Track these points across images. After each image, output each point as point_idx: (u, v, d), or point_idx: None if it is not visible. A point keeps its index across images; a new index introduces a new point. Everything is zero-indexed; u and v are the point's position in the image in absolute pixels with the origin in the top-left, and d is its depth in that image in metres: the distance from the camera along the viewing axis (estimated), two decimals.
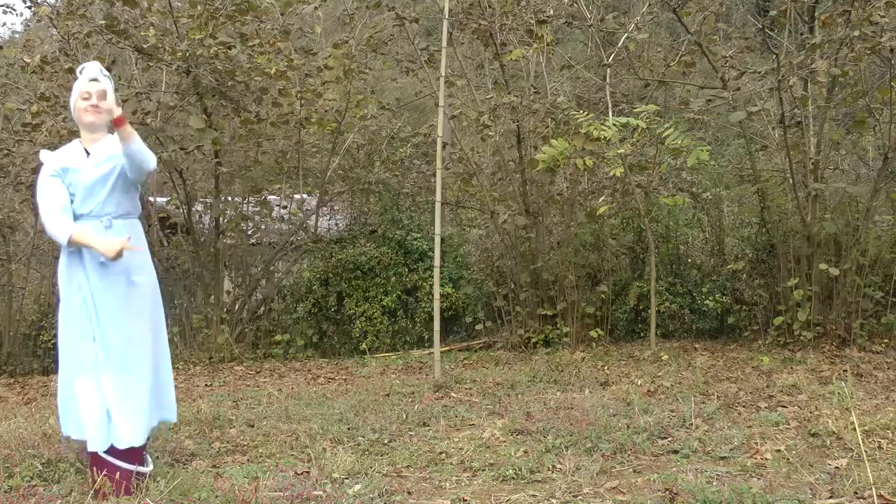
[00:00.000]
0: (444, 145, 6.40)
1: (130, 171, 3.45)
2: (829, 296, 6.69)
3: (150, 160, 3.49)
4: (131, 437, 3.34)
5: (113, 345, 3.37)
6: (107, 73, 3.58)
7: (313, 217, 8.68)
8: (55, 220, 3.38)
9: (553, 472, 3.54)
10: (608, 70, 7.50)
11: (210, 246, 8.15)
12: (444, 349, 6.78)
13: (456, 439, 4.19)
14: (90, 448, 3.35)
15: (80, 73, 3.54)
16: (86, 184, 3.43)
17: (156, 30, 7.08)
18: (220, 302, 8.03)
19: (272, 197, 8.70)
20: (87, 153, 3.50)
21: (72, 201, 3.44)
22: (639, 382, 5.50)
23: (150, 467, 3.46)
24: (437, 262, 6.05)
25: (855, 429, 3.70)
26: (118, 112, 3.35)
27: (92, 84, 3.48)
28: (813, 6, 6.92)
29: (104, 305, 3.39)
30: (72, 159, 3.47)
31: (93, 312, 3.38)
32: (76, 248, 3.39)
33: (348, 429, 4.46)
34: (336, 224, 9.14)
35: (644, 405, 4.76)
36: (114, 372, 3.36)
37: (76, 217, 3.44)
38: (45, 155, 3.54)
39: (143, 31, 7.09)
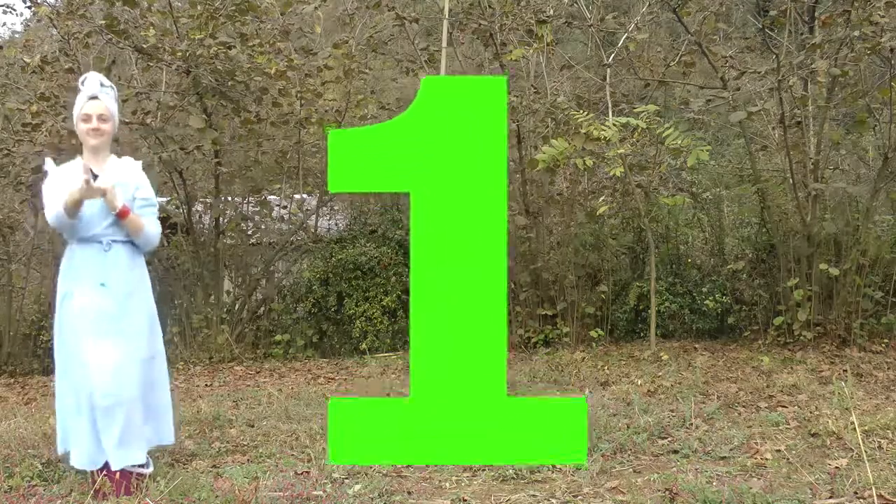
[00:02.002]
0: None
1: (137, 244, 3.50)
2: (829, 296, 6.69)
3: (156, 241, 3.54)
4: (122, 459, 3.32)
5: (107, 369, 3.32)
6: (108, 83, 3.50)
7: (313, 217, 8.68)
8: (53, 203, 3.36)
9: (553, 472, 3.54)
10: (608, 70, 7.50)
11: (210, 246, 8.15)
12: None
13: None
14: (77, 465, 3.36)
15: (81, 84, 3.47)
16: (90, 209, 3.37)
17: (156, 30, 7.08)
18: (220, 302, 8.03)
19: (272, 197, 8.70)
20: (94, 175, 3.42)
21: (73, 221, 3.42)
22: (639, 382, 5.50)
23: (151, 468, 3.46)
24: None
25: (855, 429, 3.70)
26: (119, 206, 3.34)
27: (92, 104, 3.41)
28: (813, 6, 6.93)
29: (100, 331, 3.34)
30: (77, 182, 3.36)
31: (88, 337, 3.33)
32: (75, 215, 3.33)
33: None
34: (336, 224, 9.14)
35: (644, 405, 4.76)
36: (106, 396, 3.31)
37: (76, 240, 3.43)
38: (51, 165, 3.49)
39: (143, 31, 7.09)
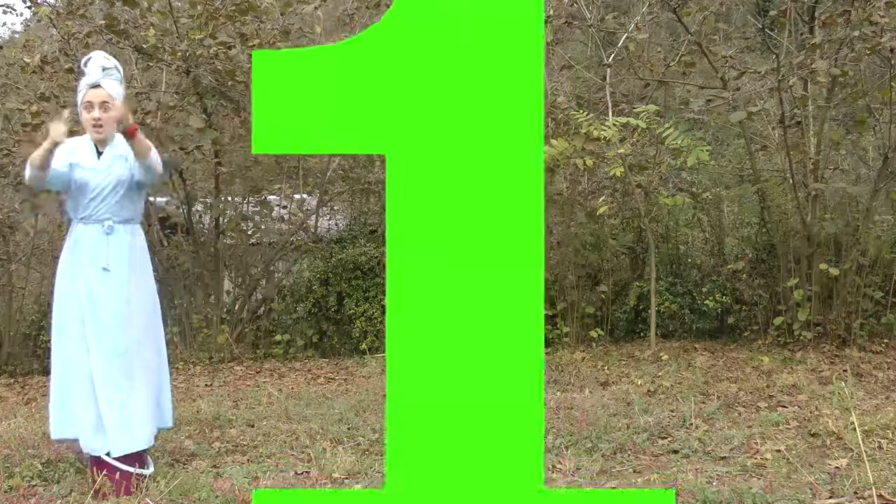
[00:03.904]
0: None
1: (142, 176, 3.45)
2: (829, 296, 6.68)
3: (160, 166, 3.49)
4: (127, 445, 3.32)
5: (112, 353, 3.33)
6: (111, 63, 3.44)
7: (313, 217, 8.68)
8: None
9: (553, 473, 3.54)
10: (608, 70, 7.50)
11: (210, 246, 8.15)
12: None
13: None
14: (84, 449, 3.36)
15: (84, 66, 3.42)
16: (95, 187, 3.37)
17: (156, 30, 7.08)
18: (220, 302, 8.03)
19: (272, 197, 8.70)
20: (98, 152, 3.43)
21: (75, 197, 3.40)
22: (639, 382, 5.50)
23: (151, 469, 3.46)
24: None
25: (855, 429, 3.70)
26: (130, 121, 3.30)
27: (94, 92, 3.37)
28: (813, 6, 6.92)
29: (101, 315, 3.34)
30: (82, 156, 3.40)
31: (89, 322, 3.33)
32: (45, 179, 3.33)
33: (348, 429, 4.46)
34: (336, 224, 9.14)
35: (644, 405, 4.76)
36: (112, 380, 3.32)
37: (78, 219, 3.43)
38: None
39: (143, 31, 7.09)
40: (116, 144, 3.47)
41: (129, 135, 3.33)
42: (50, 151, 3.27)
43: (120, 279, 3.39)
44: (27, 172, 3.37)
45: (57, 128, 3.24)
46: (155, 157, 3.44)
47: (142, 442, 3.39)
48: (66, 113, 3.34)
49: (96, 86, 3.38)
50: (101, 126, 3.39)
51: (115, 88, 3.43)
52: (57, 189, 3.46)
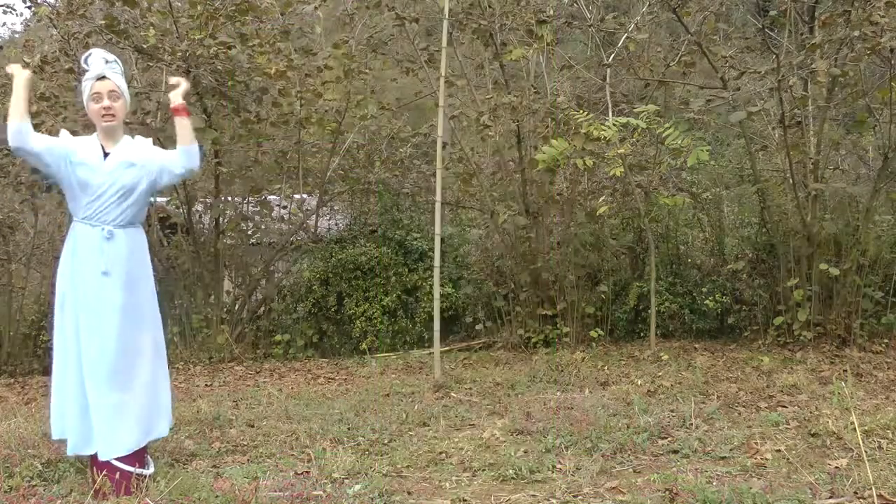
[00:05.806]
0: (444, 145, 6.40)
1: (181, 167, 3.57)
2: (829, 296, 6.68)
3: (197, 158, 3.66)
4: (115, 449, 3.30)
5: (104, 356, 3.31)
6: (112, 58, 3.47)
7: (313, 217, 8.68)
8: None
9: (553, 472, 3.54)
10: (608, 70, 7.50)
11: (210, 246, 8.15)
12: (444, 349, 6.77)
13: (456, 439, 4.19)
14: (68, 451, 3.36)
15: (86, 63, 3.44)
16: (97, 187, 3.36)
17: (156, 30, 7.08)
18: (220, 302, 8.03)
19: (272, 197, 8.70)
20: (105, 153, 3.42)
21: (77, 196, 3.39)
22: (639, 382, 5.50)
23: (151, 469, 3.45)
24: (436, 262, 6.05)
25: (855, 429, 3.70)
26: (177, 101, 3.47)
27: (101, 83, 3.39)
28: (813, 6, 6.92)
29: (96, 318, 3.33)
30: (89, 154, 3.38)
31: (84, 325, 3.32)
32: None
33: (348, 429, 4.46)
34: (336, 224, 9.14)
35: (644, 405, 4.76)
36: (102, 384, 3.30)
37: (78, 219, 3.41)
38: (65, 134, 3.48)
39: (143, 31, 7.10)
40: (124, 148, 3.45)
41: (177, 113, 3.48)
42: (24, 98, 3.26)
43: (117, 283, 3.38)
44: (9, 129, 3.23)
45: (15, 70, 3.28)
46: (195, 145, 3.55)
47: (130, 446, 3.35)
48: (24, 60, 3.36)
49: (102, 77, 3.40)
50: (112, 115, 3.40)
51: (120, 81, 3.46)
52: (41, 160, 3.31)
